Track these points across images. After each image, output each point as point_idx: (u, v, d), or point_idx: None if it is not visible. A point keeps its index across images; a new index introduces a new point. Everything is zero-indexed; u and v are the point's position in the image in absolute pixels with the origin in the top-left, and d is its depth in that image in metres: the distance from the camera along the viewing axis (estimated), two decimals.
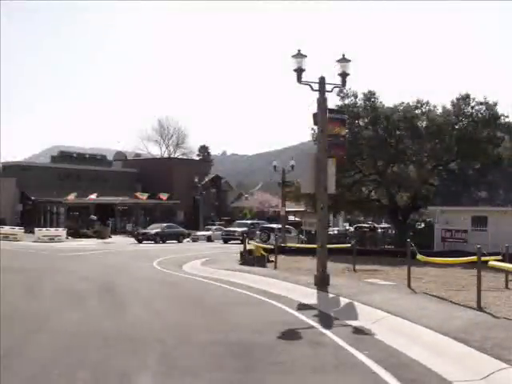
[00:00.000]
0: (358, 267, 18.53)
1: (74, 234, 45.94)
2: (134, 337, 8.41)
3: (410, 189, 32.58)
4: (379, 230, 42.60)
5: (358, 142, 30.32)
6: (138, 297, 13.26)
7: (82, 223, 51.56)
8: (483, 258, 10.73)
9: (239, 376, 6.39)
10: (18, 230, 42.74)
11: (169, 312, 11.12)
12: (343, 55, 14.64)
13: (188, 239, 46.68)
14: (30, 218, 52.72)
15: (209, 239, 46.87)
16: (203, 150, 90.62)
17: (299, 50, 14.20)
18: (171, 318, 10.28)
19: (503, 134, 30.49)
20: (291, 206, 45.94)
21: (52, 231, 43.88)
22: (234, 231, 44.55)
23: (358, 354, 7.38)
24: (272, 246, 22.60)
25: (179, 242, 44.15)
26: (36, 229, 42.76)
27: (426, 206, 31.53)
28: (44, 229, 44.52)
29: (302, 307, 11.65)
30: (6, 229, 42.86)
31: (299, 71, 14.24)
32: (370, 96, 31.07)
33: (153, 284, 16.10)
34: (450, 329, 8.26)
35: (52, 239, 40.74)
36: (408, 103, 30.97)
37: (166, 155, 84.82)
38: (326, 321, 10.13)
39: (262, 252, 22.24)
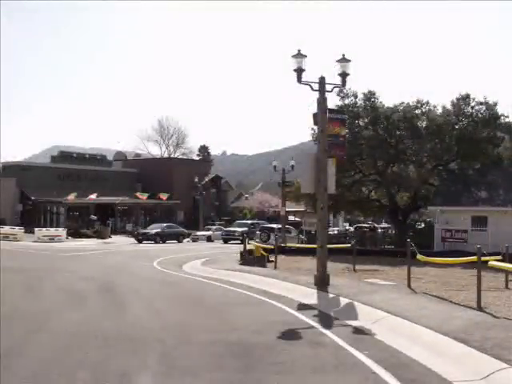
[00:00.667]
0: (357, 267, 18.52)
1: (74, 233, 45.98)
2: (133, 337, 8.41)
3: (410, 189, 32.58)
4: (379, 230, 42.58)
5: (357, 142, 30.32)
6: (138, 297, 13.25)
7: (81, 223, 51.65)
8: (483, 258, 10.73)
9: (239, 376, 6.39)
10: (18, 230, 42.73)
11: (169, 312, 11.12)
12: (343, 55, 14.65)
13: (188, 239, 46.70)
14: (30, 218, 52.70)
15: (209, 239, 46.88)
16: (203, 150, 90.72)
17: (299, 50, 14.20)
18: (171, 318, 10.28)
19: (503, 134, 30.48)
20: (291, 206, 45.95)
21: (52, 231, 43.91)
22: (234, 231, 44.56)
23: (358, 354, 7.38)
24: (272, 246, 22.60)
25: (179, 242, 44.16)
26: (36, 229, 42.78)
27: (426, 206, 31.52)
28: (44, 229, 44.53)
29: (302, 307, 11.65)
30: (6, 229, 42.86)
31: (299, 71, 14.24)
32: (369, 96, 31.06)
33: (153, 284, 16.10)
34: (449, 329, 8.26)
35: (52, 239, 40.79)
36: (408, 103, 30.96)
37: (166, 155, 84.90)
38: (326, 321, 10.13)
39: (262, 252, 22.25)
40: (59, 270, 20.12)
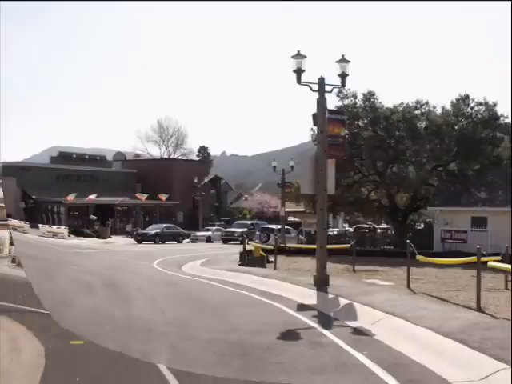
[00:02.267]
0: (357, 268, 18.52)
1: (75, 232, 46.33)
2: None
3: (410, 189, 32.57)
4: (379, 231, 42.53)
5: (357, 142, 30.34)
6: (137, 297, 13.23)
7: (81, 224, 51.66)
8: (483, 259, 10.73)
9: (239, 376, 6.39)
10: (25, 224, 43.54)
11: (169, 313, 11.10)
12: (342, 56, 14.66)
13: (187, 240, 46.71)
14: (33, 215, 52.56)
15: (208, 240, 46.88)
16: (203, 150, 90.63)
17: (299, 51, 14.22)
18: (171, 319, 10.27)
19: (503, 135, 30.51)
20: (291, 207, 45.93)
21: (54, 229, 44.68)
22: (234, 232, 44.60)
23: (357, 355, 7.39)
24: (271, 247, 22.60)
25: (178, 242, 44.18)
26: (40, 225, 43.64)
27: (426, 206, 31.53)
28: (47, 225, 45.44)
29: (301, 308, 11.64)
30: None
31: (299, 72, 14.25)
32: (369, 96, 31.08)
33: (153, 284, 16.11)
34: (449, 329, 8.26)
35: (55, 235, 41.60)
36: (407, 104, 31.00)
37: (165, 156, 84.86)
38: (326, 321, 10.13)
39: (262, 252, 22.25)
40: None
